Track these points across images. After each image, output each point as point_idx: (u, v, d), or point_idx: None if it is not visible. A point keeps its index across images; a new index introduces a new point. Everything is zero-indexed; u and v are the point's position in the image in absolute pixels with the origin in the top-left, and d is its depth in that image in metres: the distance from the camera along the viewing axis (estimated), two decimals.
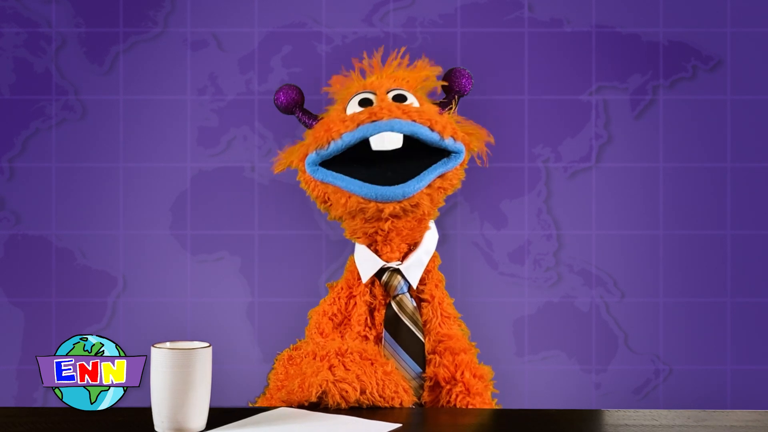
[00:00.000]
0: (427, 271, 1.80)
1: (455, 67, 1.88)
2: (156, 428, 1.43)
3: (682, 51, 2.54)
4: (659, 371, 2.54)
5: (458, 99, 1.85)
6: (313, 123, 1.82)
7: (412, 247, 1.79)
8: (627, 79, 2.55)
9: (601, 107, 2.55)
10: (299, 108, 1.86)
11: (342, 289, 1.83)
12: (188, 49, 2.56)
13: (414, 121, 1.69)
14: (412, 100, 1.77)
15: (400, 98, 1.76)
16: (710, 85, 2.54)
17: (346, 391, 1.60)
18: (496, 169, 1.87)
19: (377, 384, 1.62)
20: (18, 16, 2.55)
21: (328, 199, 1.77)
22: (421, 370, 1.73)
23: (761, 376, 2.53)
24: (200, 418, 1.44)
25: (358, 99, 1.76)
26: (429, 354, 1.74)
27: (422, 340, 1.75)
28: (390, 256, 1.77)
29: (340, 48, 2.56)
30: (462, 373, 1.70)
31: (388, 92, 1.77)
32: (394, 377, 1.65)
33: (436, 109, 1.79)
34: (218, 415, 1.51)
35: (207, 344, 1.46)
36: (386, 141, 1.68)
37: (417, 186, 1.70)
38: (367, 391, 1.61)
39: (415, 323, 1.75)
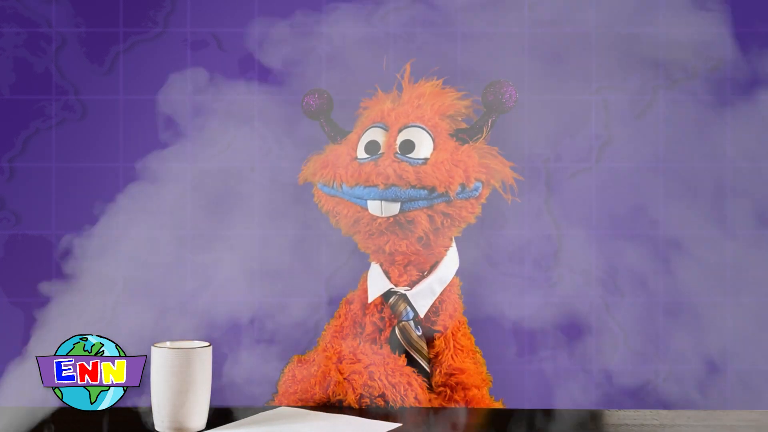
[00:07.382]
0: (441, 300, 1.75)
1: (498, 80, 1.73)
2: (156, 428, 1.43)
3: (682, 51, 2.54)
4: (659, 371, 2.54)
5: (496, 118, 1.72)
6: (337, 138, 1.77)
7: (426, 273, 1.74)
8: (627, 79, 2.54)
9: (601, 107, 2.55)
10: (325, 117, 1.80)
11: (352, 302, 1.79)
12: (188, 49, 2.55)
13: (414, 186, 1.64)
14: (422, 145, 1.67)
15: (408, 146, 1.67)
16: (710, 85, 2.54)
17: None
18: None
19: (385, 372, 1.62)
20: (18, 16, 2.55)
21: (337, 212, 1.74)
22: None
23: (761, 376, 2.53)
24: (200, 417, 1.44)
25: (367, 140, 1.69)
26: (439, 387, 1.70)
27: (427, 370, 1.71)
28: (398, 279, 1.72)
29: (340, 48, 2.56)
30: None
31: (400, 130, 1.68)
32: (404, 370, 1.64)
33: (452, 146, 1.69)
34: (218, 415, 1.51)
35: (207, 344, 1.46)
36: (384, 208, 1.65)
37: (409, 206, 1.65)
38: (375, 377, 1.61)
39: (419, 352, 1.71)
